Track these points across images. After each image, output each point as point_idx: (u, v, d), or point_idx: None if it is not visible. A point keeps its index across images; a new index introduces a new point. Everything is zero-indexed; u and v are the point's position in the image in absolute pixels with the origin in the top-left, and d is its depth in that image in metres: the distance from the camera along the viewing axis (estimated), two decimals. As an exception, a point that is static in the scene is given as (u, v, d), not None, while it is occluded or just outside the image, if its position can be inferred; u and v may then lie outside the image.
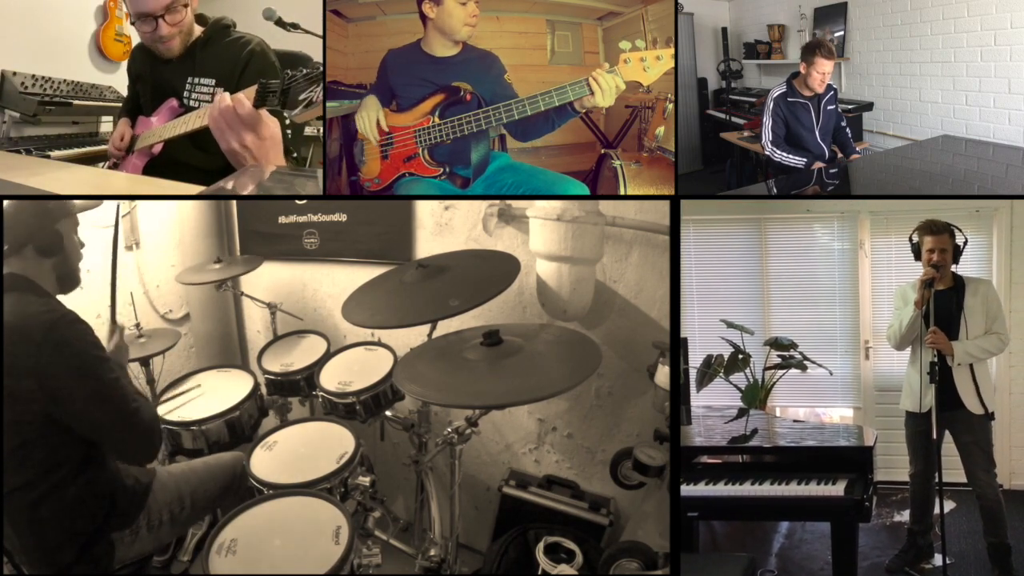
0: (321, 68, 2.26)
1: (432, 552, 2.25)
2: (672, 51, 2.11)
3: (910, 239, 2.48)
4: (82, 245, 1.97)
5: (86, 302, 1.97)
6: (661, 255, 2.52)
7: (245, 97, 2.17)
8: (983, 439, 2.43)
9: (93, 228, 2.21)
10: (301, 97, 2.12)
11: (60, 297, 1.86)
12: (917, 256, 2.46)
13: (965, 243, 2.43)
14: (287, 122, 2.30)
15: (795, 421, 2.65)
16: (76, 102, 3.44)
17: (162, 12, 2.58)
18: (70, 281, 1.92)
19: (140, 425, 1.76)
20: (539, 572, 1.99)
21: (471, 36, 2.29)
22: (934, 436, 2.27)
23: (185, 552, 2.46)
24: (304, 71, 2.13)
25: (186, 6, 2.61)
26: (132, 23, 2.74)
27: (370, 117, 2.30)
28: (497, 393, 1.78)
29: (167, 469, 2.09)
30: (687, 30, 4.32)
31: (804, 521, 2.83)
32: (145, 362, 2.85)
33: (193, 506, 2.05)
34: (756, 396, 3.05)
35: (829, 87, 3.06)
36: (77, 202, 1.96)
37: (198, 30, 2.73)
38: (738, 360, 2.96)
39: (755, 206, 3.38)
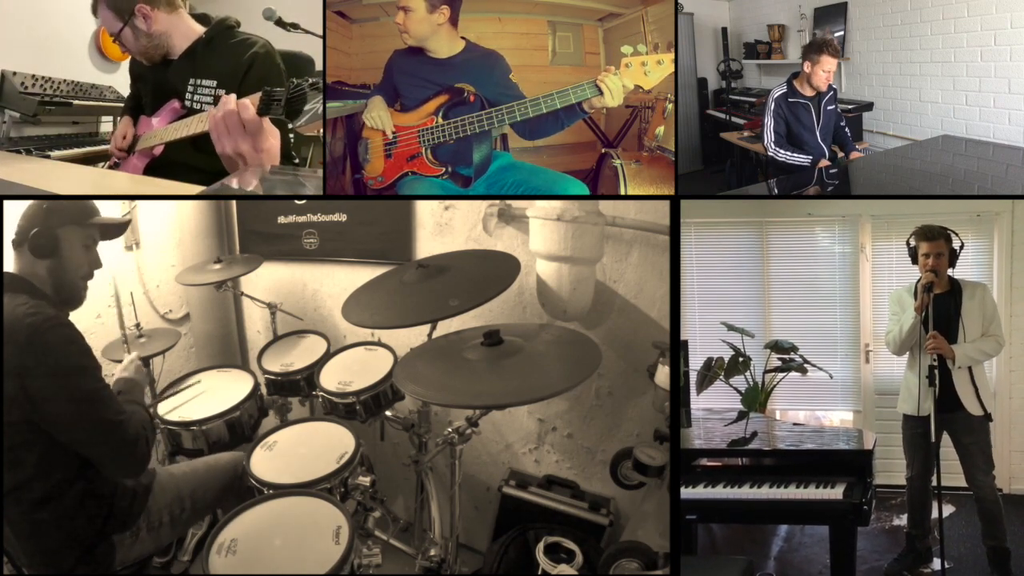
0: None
1: (432, 552, 2.25)
2: (672, 55, 2.12)
3: (907, 243, 2.49)
4: (97, 265, 1.92)
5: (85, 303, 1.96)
6: (661, 255, 2.52)
7: (250, 103, 2.16)
8: (983, 440, 2.44)
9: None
10: (306, 108, 2.10)
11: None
12: (914, 260, 2.48)
13: (961, 247, 2.44)
14: (290, 127, 2.30)
15: (795, 424, 2.65)
16: (76, 102, 3.44)
17: (118, 31, 2.58)
18: (69, 294, 1.87)
19: (121, 440, 1.71)
20: (539, 572, 1.99)
21: (410, 42, 2.28)
22: (932, 439, 2.28)
23: (185, 552, 2.46)
24: (310, 80, 2.12)
25: (147, 17, 2.56)
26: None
27: (382, 116, 2.31)
28: (497, 393, 1.78)
29: (167, 470, 2.09)
30: (687, 30, 4.31)
31: (803, 524, 2.82)
32: (145, 362, 2.84)
33: (193, 507, 2.04)
34: (756, 399, 3.05)
35: (829, 87, 3.06)
36: (99, 217, 1.92)
37: (200, 30, 2.71)
38: (738, 363, 2.96)
39: (756, 209, 3.38)
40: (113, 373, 2.03)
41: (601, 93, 2.12)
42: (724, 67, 4.46)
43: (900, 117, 3.65)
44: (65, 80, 3.43)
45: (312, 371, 2.69)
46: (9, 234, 1.87)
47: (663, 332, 2.50)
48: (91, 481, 1.77)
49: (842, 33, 3.85)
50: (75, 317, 1.87)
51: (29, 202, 1.87)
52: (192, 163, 2.59)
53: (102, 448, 1.72)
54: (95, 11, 2.64)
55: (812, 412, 3.40)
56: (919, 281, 2.43)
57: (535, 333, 2.04)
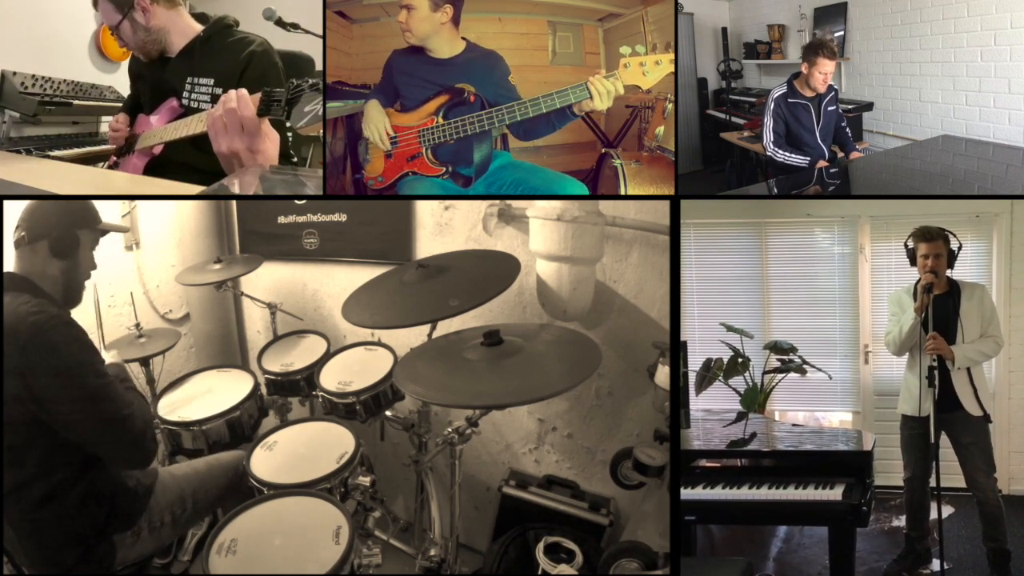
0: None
1: (432, 552, 2.26)
2: (671, 56, 2.12)
3: (905, 245, 2.50)
4: (94, 267, 1.95)
5: (83, 303, 1.97)
6: (661, 255, 2.52)
7: (251, 102, 2.17)
8: (982, 441, 2.44)
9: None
10: (306, 109, 2.10)
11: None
12: (913, 262, 2.48)
13: (959, 248, 2.44)
14: (288, 126, 2.30)
15: (794, 425, 2.65)
16: (76, 102, 3.44)
17: (117, 24, 2.60)
18: (74, 294, 1.90)
19: (129, 432, 1.72)
20: (539, 572, 1.99)
21: (412, 40, 2.28)
22: (932, 440, 2.28)
23: (185, 552, 2.46)
24: (310, 81, 2.12)
25: (145, 10, 2.58)
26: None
27: (378, 127, 2.31)
28: (497, 393, 1.78)
29: (169, 470, 2.09)
30: (687, 30, 4.32)
31: (802, 525, 2.82)
32: (145, 362, 2.85)
33: (195, 507, 2.05)
34: (755, 400, 3.05)
35: (830, 87, 3.06)
36: (103, 223, 1.96)
37: (198, 28, 2.71)
38: (737, 364, 2.96)
39: (755, 209, 3.38)
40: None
41: (591, 96, 2.12)
42: (724, 67, 4.46)
43: (900, 117, 3.65)
44: (65, 80, 3.43)
45: (312, 371, 2.69)
46: (9, 233, 1.87)
47: (663, 332, 2.50)
48: (93, 481, 1.78)
49: (842, 33, 3.85)
50: (76, 316, 1.87)
51: (34, 202, 1.88)
52: (192, 163, 2.59)
53: (111, 444, 1.73)
54: (95, 3, 2.65)
55: (811, 413, 3.39)
56: (918, 282, 2.43)
57: (535, 333, 2.04)
